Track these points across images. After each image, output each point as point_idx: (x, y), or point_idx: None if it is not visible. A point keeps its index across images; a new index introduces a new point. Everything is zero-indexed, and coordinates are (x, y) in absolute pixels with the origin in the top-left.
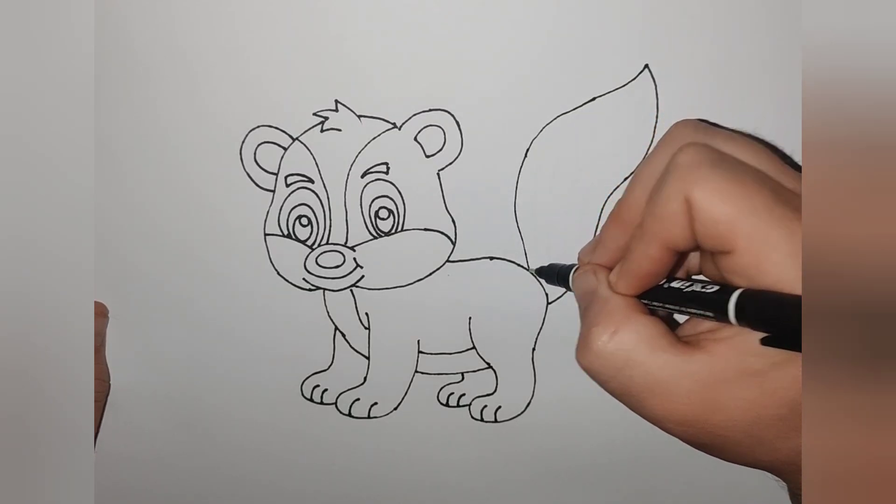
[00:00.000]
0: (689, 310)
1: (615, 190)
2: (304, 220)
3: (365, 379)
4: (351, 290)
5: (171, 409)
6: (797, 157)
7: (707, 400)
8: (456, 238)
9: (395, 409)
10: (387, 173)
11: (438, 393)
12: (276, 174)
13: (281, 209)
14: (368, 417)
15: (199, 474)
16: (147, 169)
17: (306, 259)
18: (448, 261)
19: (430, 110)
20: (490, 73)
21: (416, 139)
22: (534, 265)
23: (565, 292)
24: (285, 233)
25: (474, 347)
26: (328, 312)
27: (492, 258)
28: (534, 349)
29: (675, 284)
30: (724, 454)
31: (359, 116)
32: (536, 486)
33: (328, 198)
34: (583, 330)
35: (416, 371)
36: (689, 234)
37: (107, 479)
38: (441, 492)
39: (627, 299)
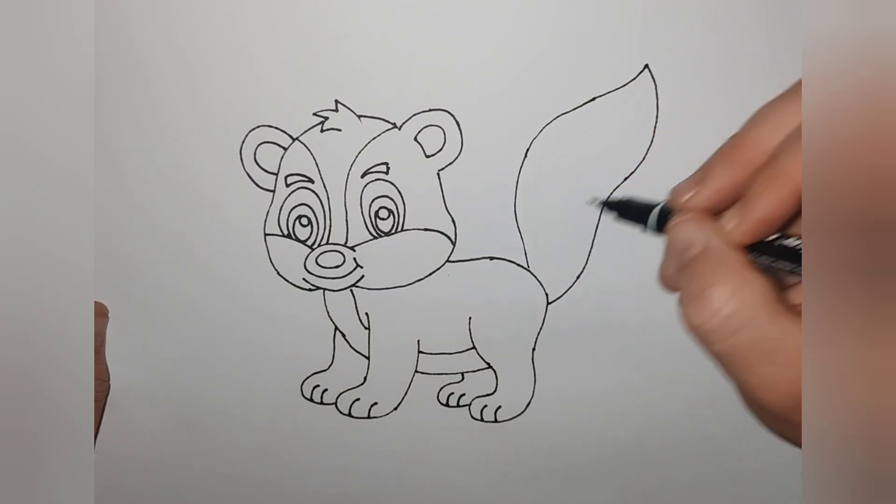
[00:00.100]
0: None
1: (615, 190)
2: (304, 220)
3: (365, 379)
4: (351, 290)
5: (171, 408)
6: None
7: None
8: (456, 238)
9: (395, 409)
10: (387, 173)
11: (438, 393)
12: (276, 174)
13: (281, 209)
14: (368, 417)
15: (199, 474)
16: (147, 169)
17: (306, 259)
18: (448, 261)
19: (430, 110)
20: (490, 73)
21: (416, 139)
22: (534, 265)
23: (565, 292)
24: (285, 233)
25: (474, 347)
26: (328, 312)
27: (492, 258)
28: (534, 349)
29: (784, 242)
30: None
31: (359, 116)
32: (536, 485)
33: (328, 198)
34: (694, 287)
35: (416, 371)
36: None
37: (107, 479)
38: (441, 491)
39: (744, 257)
